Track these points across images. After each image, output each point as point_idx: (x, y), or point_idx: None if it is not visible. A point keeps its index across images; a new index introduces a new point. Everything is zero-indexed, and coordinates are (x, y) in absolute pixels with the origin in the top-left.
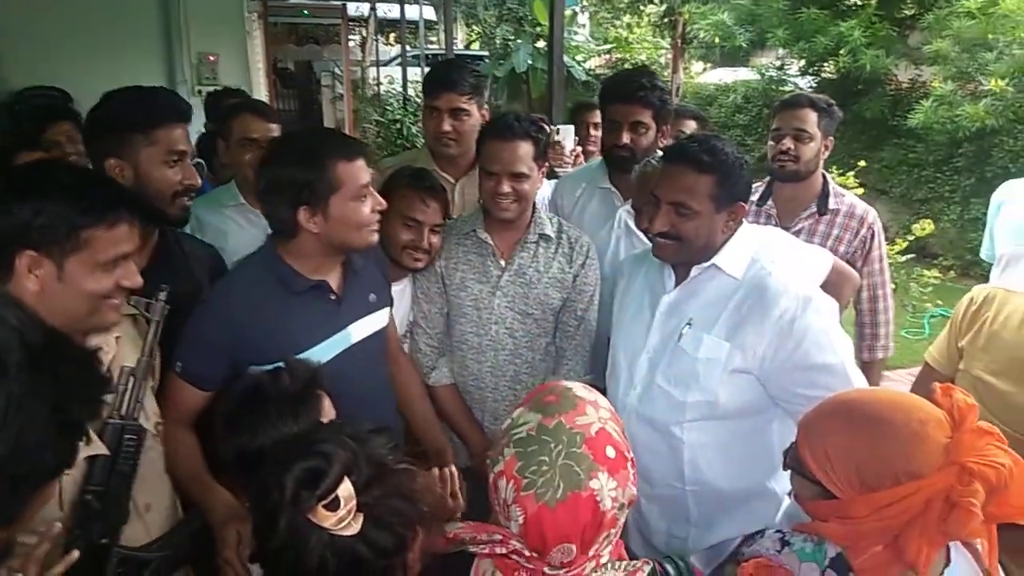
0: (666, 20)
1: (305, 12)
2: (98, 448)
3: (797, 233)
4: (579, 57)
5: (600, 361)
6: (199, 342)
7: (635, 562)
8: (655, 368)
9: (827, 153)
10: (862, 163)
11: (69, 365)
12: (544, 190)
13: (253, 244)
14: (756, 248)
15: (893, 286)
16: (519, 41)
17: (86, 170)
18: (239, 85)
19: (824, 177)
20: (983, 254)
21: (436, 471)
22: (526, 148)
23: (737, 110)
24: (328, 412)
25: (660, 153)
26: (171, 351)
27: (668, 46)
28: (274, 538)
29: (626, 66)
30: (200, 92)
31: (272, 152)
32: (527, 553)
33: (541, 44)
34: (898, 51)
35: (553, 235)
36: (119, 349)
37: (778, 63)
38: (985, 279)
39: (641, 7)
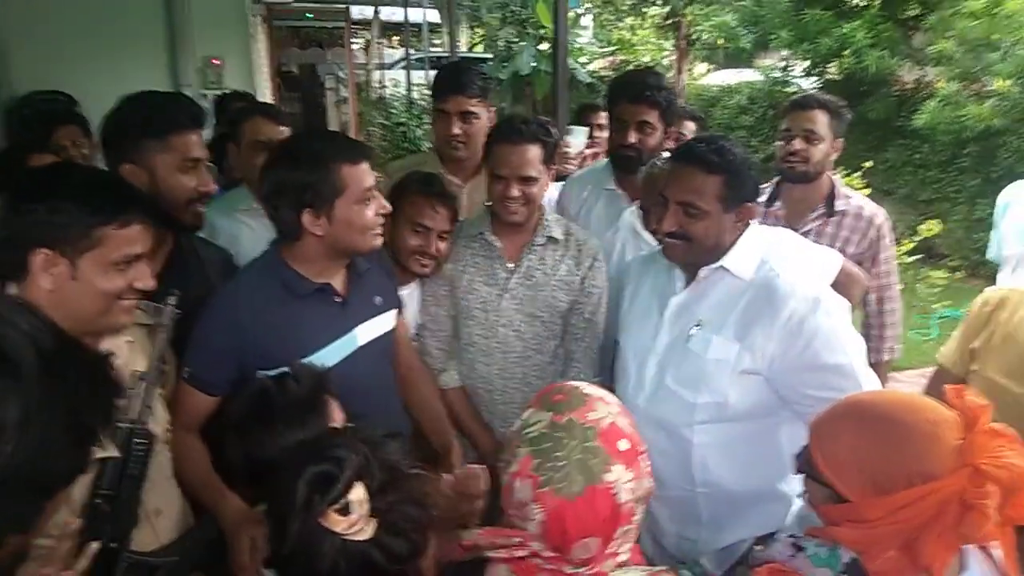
0: (669, 22)
1: (309, 15)
2: (110, 451)
3: (805, 235)
4: (583, 59)
5: (608, 363)
6: (206, 347)
7: (658, 568)
8: (664, 370)
9: (836, 155)
10: (867, 164)
11: (82, 371)
12: (550, 192)
13: (265, 247)
14: (765, 249)
15: (900, 287)
16: (523, 44)
17: (100, 171)
18: (243, 89)
19: (832, 179)
20: (990, 255)
21: (456, 471)
22: (535, 151)
23: (741, 111)
24: (337, 417)
25: (666, 154)
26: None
27: (671, 48)
28: (286, 543)
29: (630, 68)
30: (205, 96)
31: (276, 155)
32: (547, 554)
33: (544, 46)
34: (902, 52)
35: (561, 237)
36: (130, 354)
37: (782, 64)
38: (993, 279)
39: (644, 9)
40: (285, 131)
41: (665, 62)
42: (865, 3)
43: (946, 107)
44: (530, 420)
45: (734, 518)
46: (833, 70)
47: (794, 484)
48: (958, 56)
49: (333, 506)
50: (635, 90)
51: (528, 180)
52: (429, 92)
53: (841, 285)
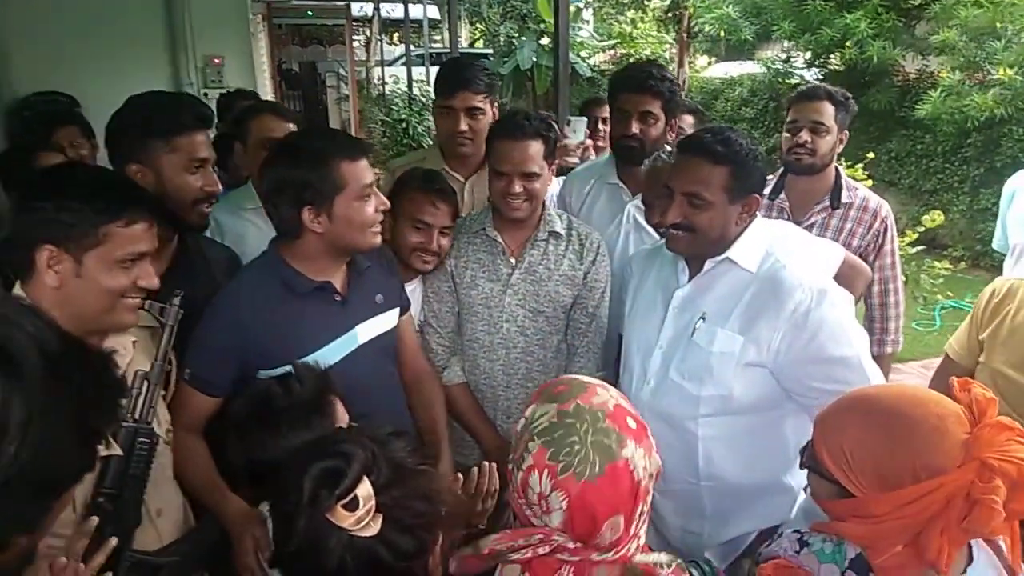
0: (670, 14)
1: (309, 13)
2: (113, 449)
3: (810, 227)
4: (583, 53)
5: (611, 357)
6: (207, 347)
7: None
8: (669, 362)
9: (841, 147)
10: (871, 155)
11: (86, 371)
12: (553, 187)
13: None
14: (770, 241)
15: (904, 278)
16: (523, 38)
17: (107, 170)
18: (244, 87)
19: (837, 170)
20: (995, 244)
21: (475, 469)
22: (537, 147)
23: (743, 103)
24: (342, 418)
25: (668, 148)
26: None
27: (673, 40)
28: (293, 540)
29: (631, 61)
30: (206, 95)
31: (275, 153)
32: (572, 545)
33: (545, 41)
34: (905, 42)
35: (563, 232)
36: (134, 353)
37: (784, 56)
38: (996, 269)
39: (645, 2)
40: (293, 128)
41: (666, 55)
42: None
43: (949, 97)
44: (535, 414)
45: (738, 511)
46: (835, 61)
47: (799, 477)
48: (961, 45)
49: (341, 501)
50: (638, 79)
51: (530, 176)
52: (430, 88)
53: (844, 278)
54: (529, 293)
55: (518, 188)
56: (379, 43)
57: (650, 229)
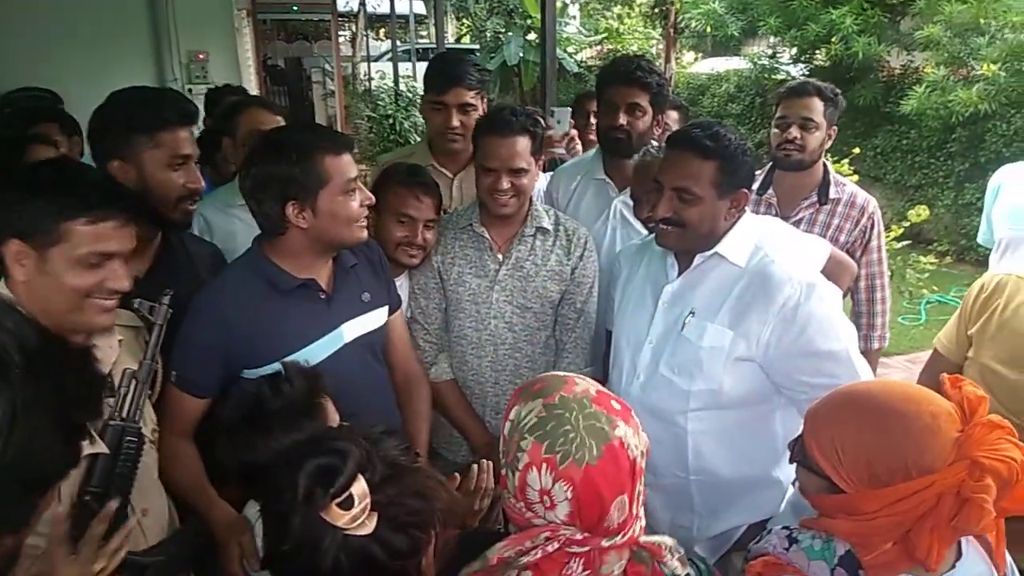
0: (657, 10)
1: (294, 8)
2: (98, 447)
3: (798, 223)
4: (570, 49)
5: (599, 353)
6: (192, 347)
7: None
8: (658, 357)
9: (830, 142)
10: (856, 150)
11: (67, 366)
12: (540, 182)
13: None
14: (759, 236)
15: (889, 273)
16: (510, 34)
17: (80, 167)
18: (230, 82)
19: (825, 166)
20: (980, 239)
21: (474, 467)
22: (524, 143)
23: (730, 99)
24: (333, 418)
25: (656, 143)
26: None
27: (659, 36)
28: (287, 539)
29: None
30: (191, 91)
31: (258, 149)
32: (580, 536)
33: (532, 36)
34: (890, 37)
35: (550, 227)
36: (120, 352)
37: (770, 51)
38: (981, 264)
39: None
40: (281, 121)
41: (653, 51)
42: None
43: (934, 92)
44: (521, 414)
45: (728, 505)
46: (821, 56)
47: (788, 471)
48: (945, 41)
49: (336, 499)
50: (626, 72)
51: (518, 172)
52: (416, 84)
53: (830, 273)
54: (517, 289)
55: (506, 184)
56: (365, 38)
57: (637, 224)
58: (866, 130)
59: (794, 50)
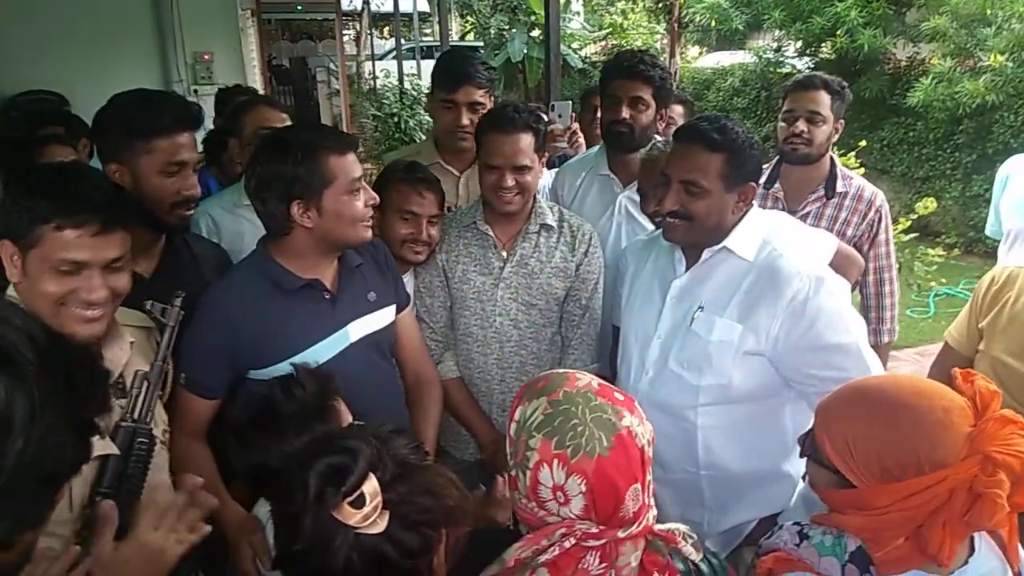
0: (661, 5)
1: (299, 8)
2: (109, 448)
3: (804, 216)
4: (574, 45)
5: (605, 350)
6: (199, 348)
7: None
8: (667, 352)
9: (837, 136)
10: (863, 143)
11: (74, 362)
12: (545, 179)
13: None
14: (767, 230)
15: (897, 266)
16: (514, 31)
17: (70, 170)
18: (235, 83)
19: (832, 160)
20: (988, 231)
21: (499, 479)
22: (527, 140)
23: (735, 93)
24: (346, 419)
25: (659, 138)
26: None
27: (664, 31)
28: (298, 539)
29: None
30: (196, 91)
31: (262, 149)
32: (596, 529)
33: (536, 33)
34: (895, 29)
35: (555, 224)
36: (132, 354)
37: (775, 45)
38: (989, 255)
39: None
40: (288, 119)
41: (658, 45)
42: None
43: (940, 84)
44: (527, 413)
45: (738, 500)
46: (826, 49)
47: (798, 465)
48: (951, 32)
49: (347, 498)
50: (628, 65)
51: (522, 169)
52: (421, 82)
53: (837, 267)
54: (521, 286)
55: (510, 182)
56: (369, 37)
57: (642, 220)
58: (872, 123)
59: (799, 43)
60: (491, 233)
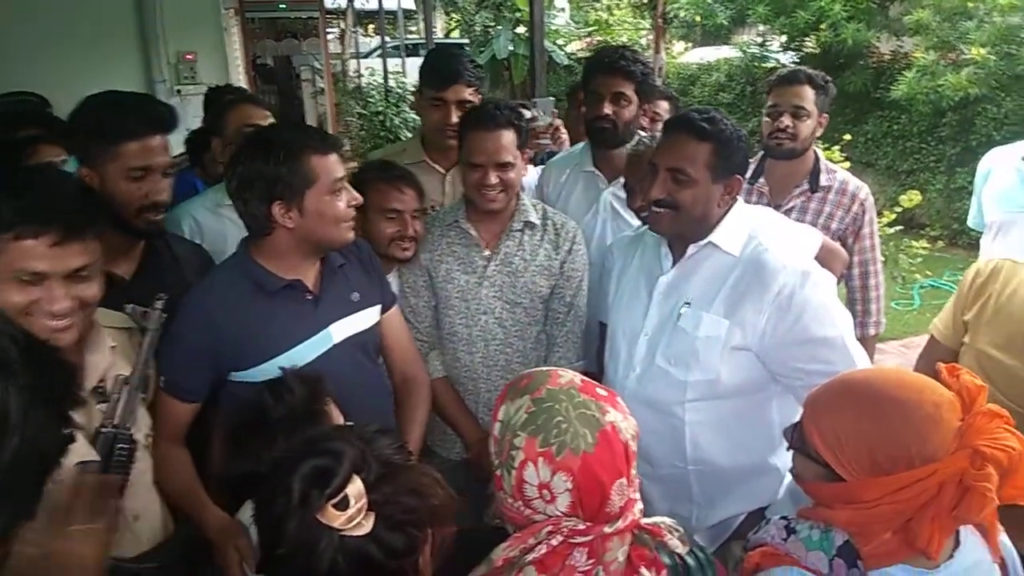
0: (646, 1)
1: (282, 6)
2: (89, 453)
3: (789, 211)
4: (560, 41)
5: (590, 347)
6: (180, 351)
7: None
8: (654, 349)
9: (821, 130)
10: (847, 137)
11: (49, 359)
12: (530, 176)
13: None
14: (752, 225)
15: (883, 259)
16: (499, 28)
17: (32, 175)
18: (219, 83)
19: (816, 154)
20: (971, 222)
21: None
22: (509, 137)
23: (720, 88)
24: (337, 422)
25: (644, 133)
26: None
27: (649, 27)
28: (282, 543)
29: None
30: (180, 92)
31: (243, 148)
32: (583, 526)
33: (521, 30)
34: (879, 23)
35: (538, 222)
36: (114, 358)
37: (759, 40)
38: (973, 247)
39: None
40: (269, 116)
41: (643, 41)
42: None
43: (923, 77)
44: (510, 412)
45: (726, 494)
46: (810, 44)
47: (785, 458)
48: (934, 26)
49: (331, 500)
50: (610, 61)
51: (505, 166)
52: (406, 80)
53: (821, 262)
54: (506, 285)
55: (493, 179)
56: (354, 35)
57: (627, 216)
58: (857, 116)
59: (783, 38)
60: (474, 232)
